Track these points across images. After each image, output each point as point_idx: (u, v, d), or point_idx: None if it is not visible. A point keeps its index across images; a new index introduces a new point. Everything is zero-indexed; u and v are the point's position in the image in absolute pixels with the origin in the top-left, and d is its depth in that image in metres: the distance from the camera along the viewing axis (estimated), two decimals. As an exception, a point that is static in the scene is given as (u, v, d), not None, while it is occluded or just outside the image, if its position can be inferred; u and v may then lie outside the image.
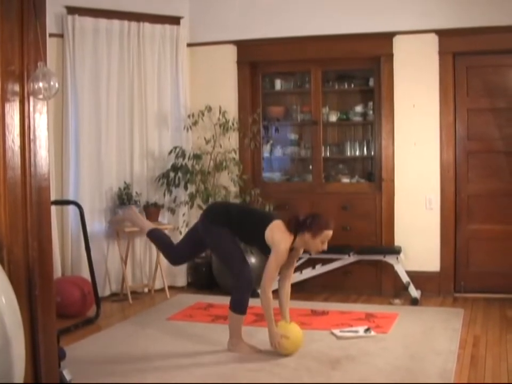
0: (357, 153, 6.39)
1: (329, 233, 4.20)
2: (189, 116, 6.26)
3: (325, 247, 4.24)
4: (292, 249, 4.28)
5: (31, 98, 2.81)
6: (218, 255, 4.64)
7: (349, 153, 6.41)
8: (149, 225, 4.88)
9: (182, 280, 6.43)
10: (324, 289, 6.11)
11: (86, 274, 5.56)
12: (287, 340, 4.22)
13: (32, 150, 2.82)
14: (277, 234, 4.21)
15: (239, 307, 4.29)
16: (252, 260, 5.79)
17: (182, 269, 6.40)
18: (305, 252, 4.64)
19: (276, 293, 4.38)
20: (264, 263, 4.30)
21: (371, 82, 6.26)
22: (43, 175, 2.89)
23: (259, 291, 4.27)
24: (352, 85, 6.39)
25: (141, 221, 4.97)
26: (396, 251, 5.89)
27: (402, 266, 5.84)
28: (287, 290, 4.42)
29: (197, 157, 6.20)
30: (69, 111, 5.84)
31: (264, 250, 4.35)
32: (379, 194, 6.11)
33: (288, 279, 4.43)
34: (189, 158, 6.18)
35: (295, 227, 4.22)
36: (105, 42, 5.99)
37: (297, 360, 4.14)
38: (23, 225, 2.79)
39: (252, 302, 5.49)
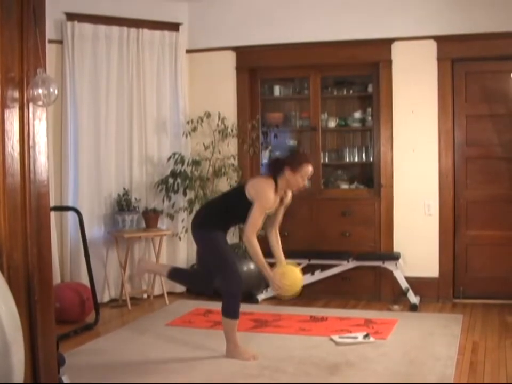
0: (356, 159, 6.39)
1: (309, 168, 4.30)
2: (188, 122, 6.26)
3: (305, 182, 4.35)
4: (281, 200, 4.35)
5: (31, 105, 2.83)
6: (210, 259, 4.43)
7: (347, 159, 6.41)
8: (164, 268, 4.83)
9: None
10: (322, 295, 6.10)
11: (85, 280, 5.55)
12: (285, 276, 4.22)
13: (31, 156, 2.83)
14: (257, 184, 4.28)
15: (231, 312, 4.27)
16: (251, 266, 5.79)
17: (181, 275, 6.40)
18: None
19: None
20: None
21: (370, 89, 6.27)
22: (42, 181, 2.90)
23: (245, 239, 4.19)
24: (351, 91, 6.41)
25: (156, 267, 5.17)
26: (395, 257, 5.89)
27: (401, 272, 5.83)
28: (276, 236, 4.48)
29: (196, 163, 6.20)
30: (68, 117, 5.85)
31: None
32: (378, 200, 6.11)
33: (276, 225, 4.48)
34: (188, 164, 6.18)
35: (275, 167, 4.30)
36: (105, 49, 6.00)
37: (296, 365, 4.14)
38: (22, 231, 2.79)
39: (250, 308, 5.48)
